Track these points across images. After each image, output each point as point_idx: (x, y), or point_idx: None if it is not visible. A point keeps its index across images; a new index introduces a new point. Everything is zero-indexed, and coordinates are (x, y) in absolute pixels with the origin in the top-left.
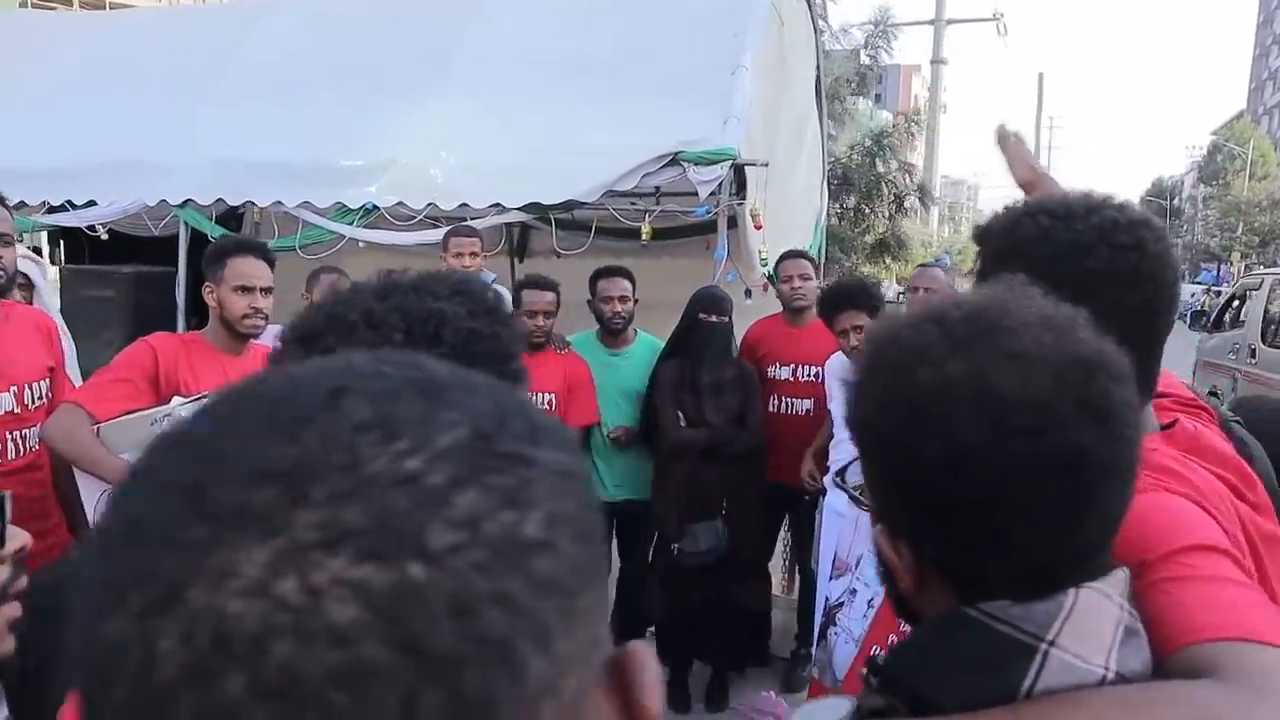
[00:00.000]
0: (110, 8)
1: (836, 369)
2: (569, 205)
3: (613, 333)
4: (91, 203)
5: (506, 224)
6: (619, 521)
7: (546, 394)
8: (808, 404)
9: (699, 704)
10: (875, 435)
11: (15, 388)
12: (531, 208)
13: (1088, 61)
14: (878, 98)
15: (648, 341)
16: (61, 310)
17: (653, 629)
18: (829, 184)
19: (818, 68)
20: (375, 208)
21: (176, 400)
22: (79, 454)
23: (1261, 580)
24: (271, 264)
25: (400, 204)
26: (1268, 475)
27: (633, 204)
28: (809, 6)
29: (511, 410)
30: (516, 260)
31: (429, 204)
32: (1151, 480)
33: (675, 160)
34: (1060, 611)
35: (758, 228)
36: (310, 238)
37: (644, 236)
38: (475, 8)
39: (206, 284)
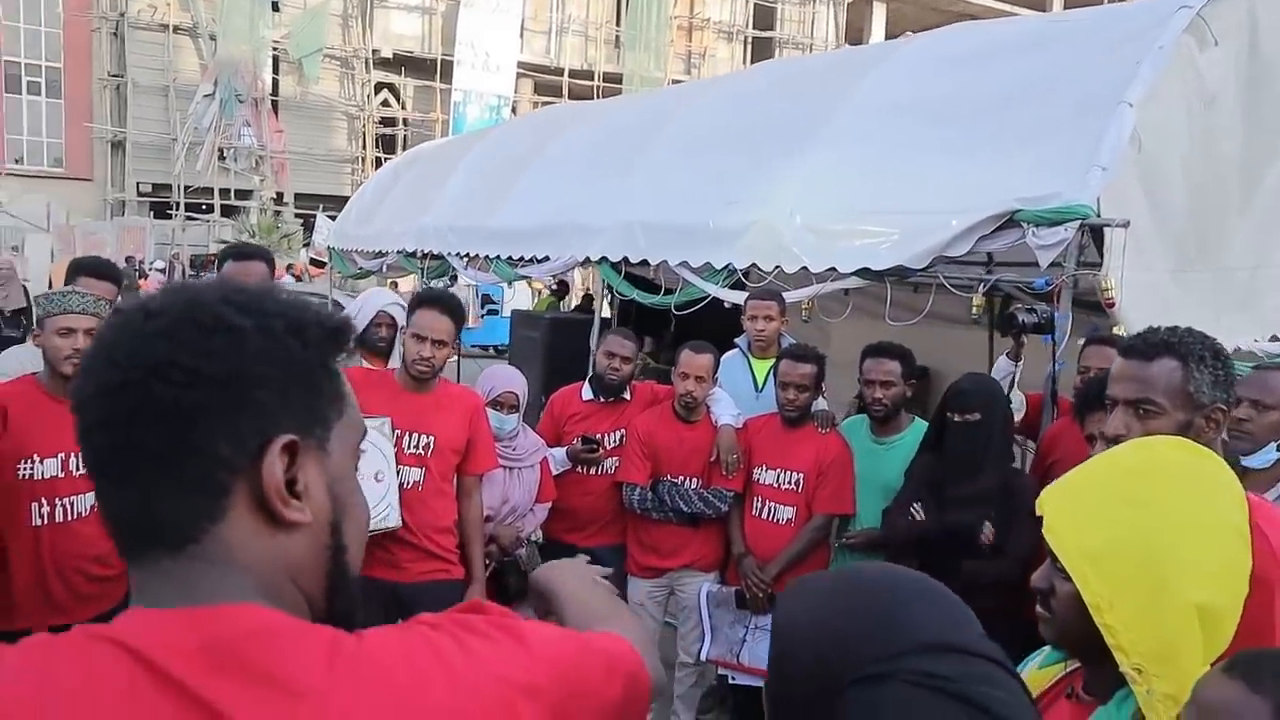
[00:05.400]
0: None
1: None
2: (900, 272)
3: (876, 419)
4: (546, 258)
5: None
6: None
7: (796, 472)
8: None
9: None
10: None
11: None
12: (863, 273)
13: None
14: None
15: (923, 430)
16: (509, 344)
17: None
18: None
19: None
20: (734, 270)
21: None
22: None
23: None
24: (459, 320)
25: (754, 265)
26: None
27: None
28: None
29: None
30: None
31: (776, 266)
32: None
33: (1014, 221)
34: None
35: (1108, 305)
36: (687, 295)
37: (974, 310)
38: (877, 61)
39: (403, 327)
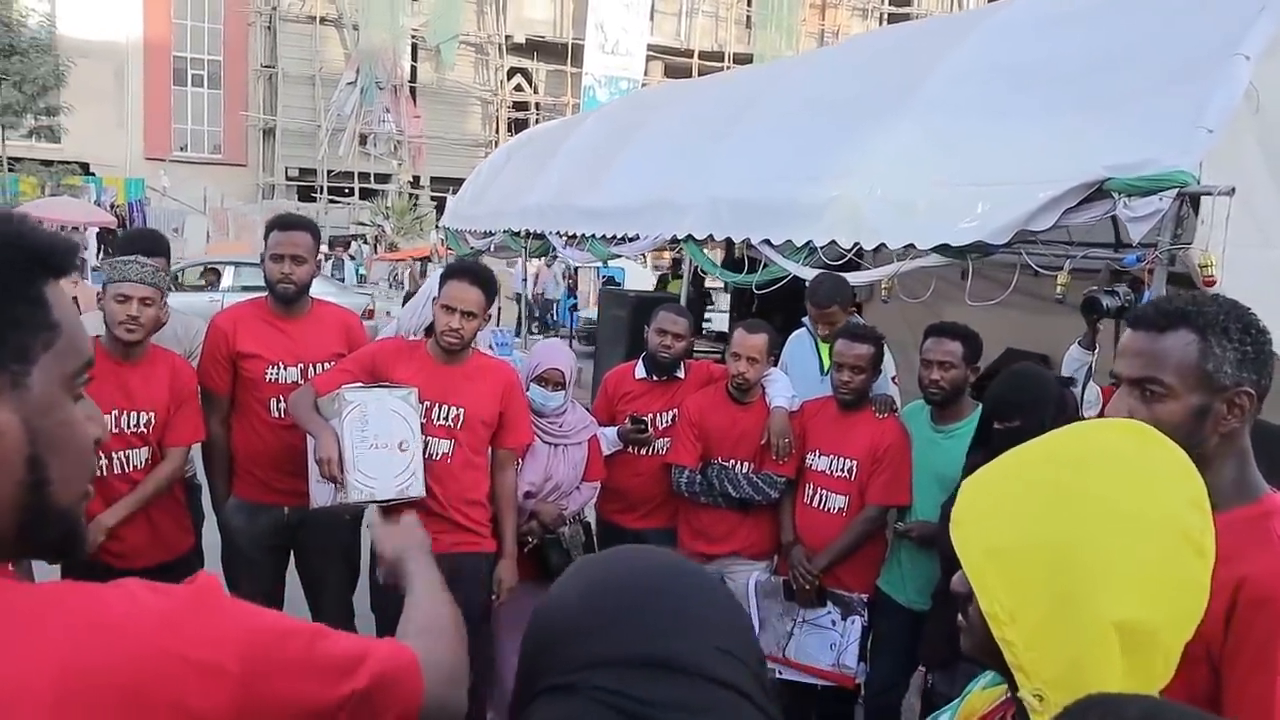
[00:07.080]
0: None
1: None
2: (981, 249)
3: (934, 404)
4: (638, 236)
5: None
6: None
7: (849, 459)
8: None
9: None
10: None
11: (302, 364)
12: (942, 250)
13: None
14: None
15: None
16: (597, 320)
17: None
18: None
19: None
20: (814, 248)
21: (345, 386)
22: (296, 415)
23: None
24: (490, 292)
25: (833, 243)
26: None
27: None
28: None
29: None
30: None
31: (855, 244)
32: None
33: (1103, 191)
34: None
35: (1208, 283)
36: (769, 274)
37: (1058, 289)
38: (974, 25)
39: (434, 297)
